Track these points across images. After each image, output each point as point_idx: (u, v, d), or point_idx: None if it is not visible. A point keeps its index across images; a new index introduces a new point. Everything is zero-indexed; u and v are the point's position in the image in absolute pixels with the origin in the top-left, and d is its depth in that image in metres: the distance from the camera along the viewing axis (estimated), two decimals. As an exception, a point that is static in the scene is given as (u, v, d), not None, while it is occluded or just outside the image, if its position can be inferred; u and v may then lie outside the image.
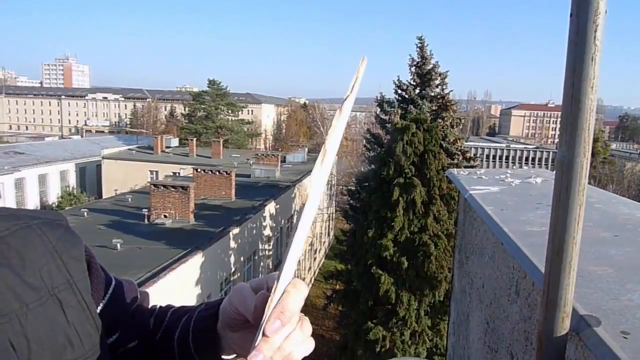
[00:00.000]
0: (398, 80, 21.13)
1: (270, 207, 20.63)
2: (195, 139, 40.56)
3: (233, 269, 16.47)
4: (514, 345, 1.73)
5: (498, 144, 63.03)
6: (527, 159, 56.23)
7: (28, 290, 0.55)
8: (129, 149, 40.65)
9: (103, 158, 36.89)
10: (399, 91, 21.20)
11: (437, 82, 20.83)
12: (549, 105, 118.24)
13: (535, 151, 57.70)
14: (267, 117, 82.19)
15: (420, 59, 20.95)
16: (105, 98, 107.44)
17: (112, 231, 15.17)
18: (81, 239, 0.66)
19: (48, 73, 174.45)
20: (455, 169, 4.24)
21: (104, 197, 30.19)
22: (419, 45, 20.92)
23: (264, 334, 0.53)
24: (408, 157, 13.22)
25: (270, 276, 0.58)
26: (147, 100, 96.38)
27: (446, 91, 20.87)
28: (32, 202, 32.77)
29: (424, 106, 19.82)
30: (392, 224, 12.95)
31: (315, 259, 29.24)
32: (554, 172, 0.93)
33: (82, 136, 67.19)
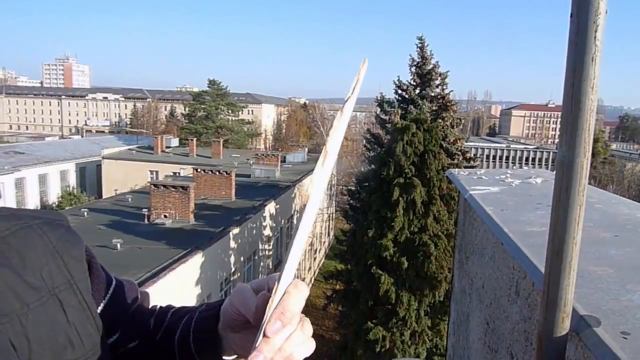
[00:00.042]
0: (398, 80, 21.14)
1: (270, 207, 20.63)
2: (195, 139, 40.56)
3: (233, 269, 16.47)
4: (514, 346, 1.72)
5: (498, 144, 63.03)
6: (527, 159, 56.22)
7: (29, 290, 0.55)
8: (129, 149, 40.65)
9: (103, 158, 36.90)
10: (399, 91, 21.21)
11: (437, 82, 20.83)
12: (549, 105, 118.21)
13: (536, 151, 57.69)
14: (267, 117, 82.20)
15: (420, 59, 20.96)
16: (106, 98, 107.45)
17: (112, 231, 15.17)
18: (82, 239, 0.66)
19: (48, 73, 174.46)
20: (455, 169, 4.24)
21: (104, 197, 30.19)
22: (419, 45, 20.92)
23: (264, 335, 0.53)
24: (408, 157, 13.22)
25: (271, 277, 0.58)
26: (147, 100, 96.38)
27: (446, 91, 20.88)
28: (32, 202, 32.78)
29: (424, 106, 19.83)
30: (392, 224, 12.95)
31: (315, 259, 29.24)
32: (554, 172, 0.93)
33: (82, 136, 67.16)
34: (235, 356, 0.68)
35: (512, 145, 62.58)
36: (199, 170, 21.63)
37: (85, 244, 0.66)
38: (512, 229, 1.91)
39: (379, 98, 22.06)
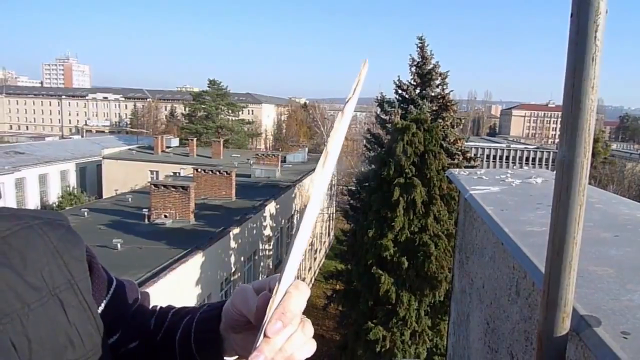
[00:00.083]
0: (398, 80, 21.15)
1: (271, 207, 20.63)
2: (195, 139, 40.57)
3: (233, 269, 16.47)
4: (514, 346, 1.73)
5: (498, 144, 63.04)
6: (527, 159, 56.23)
7: (29, 290, 0.55)
8: (130, 149, 40.65)
9: (103, 158, 36.91)
10: (400, 91, 21.21)
11: (437, 82, 20.84)
12: (549, 105, 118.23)
13: (536, 151, 57.70)
14: (267, 117, 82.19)
15: (420, 59, 20.96)
16: (106, 98, 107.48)
17: (113, 231, 15.17)
18: (82, 239, 0.66)
19: (48, 73, 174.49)
20: (455, 169, 4.24)
21: (104, 197, 30.19)
22: (420, 45, 20.93)
23: (265, 335, 0.53)
24: (408, 157, 13.22)
25: (272, 278, 0.58)
26: (148, 100, 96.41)
27: (446, 91, 20.88)
28: (32, 202, 32.79)
29: (424, 106, 19.83)
30: (393, 224, 12.95)
31: (315, 259, 29.25)
32: (554, 172, 0.93)
33: (82, 136, 67.20)
34: (237, 357, 0.68)
35: (512, 145, 62.58)
36: (199, 170, 21.64)
37: (86, 244, 0.66)
38: (513, 229, 1.91)
39: (379, 98, 22.07)
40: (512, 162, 55.99)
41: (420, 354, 13.18)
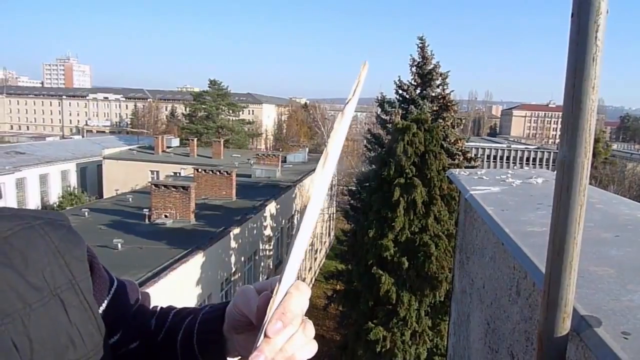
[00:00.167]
0: (399, 80, 21.14)
1: (271, 207, 20.64)
2: (196, 139, 40.58)
3: (234, 269, 16.47)
4: (515, 346, 1.72)
5: (499, 145, 63.03)
6: (527, 159, 56.20)
7: (31, 290, 0.55)
8: (130, 149, 40.67)
9: (104, 158, 36.92)
10: (400, 91, 21.20)
11: (438, 82, 20.83)
12: (550, 105, 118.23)
13: (536, 151, 57.67)
14: (267, 117, 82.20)
15: (421, 59, 20.95)
16: (106, 98, 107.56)
17: (113, 231, 15.18)
18: (83, 239, 0.66)
19: (49, 73, 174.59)
20: (456, 169, 4.23)
21: (104, 197, 30.21)
22: (420, 45, 20.92)
23: (265, 335, 0.53)
24: (409, 158, 13.21)
25: (275, 279, 0.58)
26: (148, 100, 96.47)
27: (447, 91, 20.87)
28: (33, 202, 32.81)
29: (424, 106, 19.82)
30: (393, 224, 12.95)
31: (315, 259, 29.25)
32: (555, 172, 0.93)
33: (83, 136, 67.25)
34: (239, 357, 0.68)
35: (512, 146, 62.57)
36: (199, 170, 21.65)
37: (87, 244, 0.67)
38: (513, 229, 1.91)
39: (379, 98, 22.06)
40: (513, 163, 55.98)
41: (420, 354, 13.17)
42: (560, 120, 0.89)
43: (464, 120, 24.50)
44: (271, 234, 21.07)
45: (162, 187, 16.99)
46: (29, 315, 0.54)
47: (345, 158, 40.06)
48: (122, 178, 33.78)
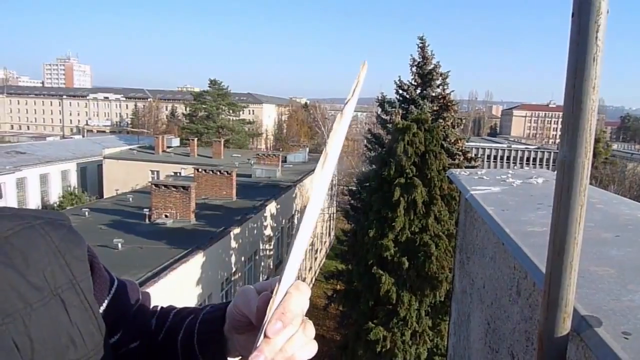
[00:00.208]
0: (399, 80, 21.14)
1: (271, 207, 20.64)
2: (196, 139, 40.56)
3: (234, 269, 16.48)
4: (515, 346, 1.72)
5: (499, 145, 63.01)
6: (528, 159, 56.18)
7: (31, 290, 0.55)
8: (130, 149, 40.67)
9: (104, 158, 36.93)
10: (400, 91, 21.20)
11: (438, 82, 20.83)
12: (550, 105, 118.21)
13: (537, 151, 57.65)
14: (268, 117, 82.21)
15: (421, 59, 20.95)
16: (107, 98, 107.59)
17: (113, 231, 15.18)
18: (84, 239, 0.66)
19: (49, 73, 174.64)
20: (456, 169, 4.23)
21: (105, 196, 30.22)
22: (420, 45, 20.91)
23: (265, 335, 0.53)
24: (409, 158, 13.21)
25: (275, 279, 0.58)
26: (148, 100, 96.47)
27: (447, 91, 20.87)
28: (33, 202, 32.82)
29: (425, 106, 19.82)
30: (393, 224, 12.95)
31: (316, 258, 29.25)
32: (555, 172, 0.93)
33: (83, 136, 67.25)
34: (240, 357, 0.68)
35: (513, 146, 62.55)
36: (199, 170, 21.65)
37: (87, 243, 0.67)
38: (513, 229, 1.91)
39: (380, 98, 22.07)
40: (513, 163, 55.97)
41: (420, 354, 13.17)
42: (560, 120, 0.89)
43: (464, 120, 24.52)
44: (271, 234, 21.07)
45: (163, 187, 16.99)
46: (30, 315, 0.54)
47: (345, 158, 40.08)
48: (123, 178, 33.78)
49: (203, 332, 0.69)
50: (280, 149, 47.97)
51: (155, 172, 34.69)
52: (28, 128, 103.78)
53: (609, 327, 1.04)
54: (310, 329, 0.58)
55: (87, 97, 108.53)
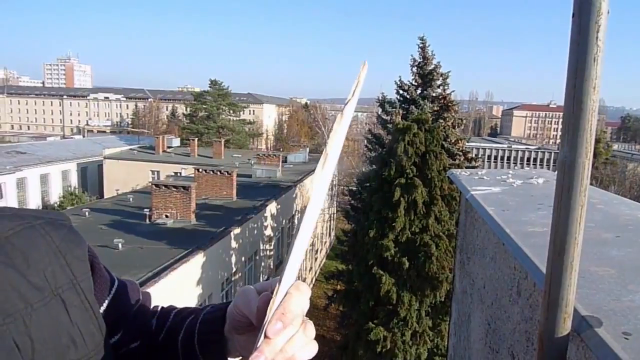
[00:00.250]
0: (400, 80, 21.14)
1: (272, 207, 20.64)
2: (196, 139, 40.56)
3: (234, 269, 16.48)
4: (515, 346, 1.72)
5: (499, 145, 62.97)
6: (528, 159, 56.13)
7: (32, 290, 0.55)
8: (131, 149, 40.68)
9: (104, 158, 36.94)
10: (401, 91, 21.20)
11: (438, 82, 20.82)
12: (550, 105, 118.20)
13: (537, 152, 57.62)
14: (268, 117, 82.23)
15: (421, 59, 20.95)
16: (107, 98, 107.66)
17: (114, 231, 15.19)
18: (84, 239, 0.66)
19: (50, 73, 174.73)
20: (456, 170, 4.23)
21: (105, 197, 30.23)
22: (421, 45, 20.91)
23: (265, 336, 0.53)
24: (409, 158, 13.21)
25: (275, 279, 0.58)
26: (149, 100, 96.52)
27: (448, 91, 20.86)
28: (33, 202, 32.83)
29: (425, 106, 19.81)
30: (394, 224, 12.95)
31: (316, 259, 29.25)
32: (556, 172, 0.93)
33: (83, 136, 67.29)
34: (240, 358, 0.68)
35: (513, 146, 62.51)
36: (200, 170, 21.66)
37: (88, 243, 0.67)
38: (514, 230, 1.91)
39: (380, 98, 22.06)
40: (514, 163, 55.93)
41: (421, 355, 13.16)
42: (561, 120, 0.89)
43: (464, 121, 24.50)
44: (272, 234, 21.07)
45: (163, 187, 16.99)
46: (31, 315, 0.54)
47: (345, 158, 40.09)
48: (123, 178, 33.79)
49: (204, 332, 0.69)
50: (281, 149, 47.96)
51: (156, 172, 34.70)
52: (28, 128, 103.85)
53: (609, 327, 1.04)
54: (311, 330, 0.58)
55: (88, 97, 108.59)
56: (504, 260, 2.01)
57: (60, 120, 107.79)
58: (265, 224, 19.96)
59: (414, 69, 21.05)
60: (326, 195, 0.59)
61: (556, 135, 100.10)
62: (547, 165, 52.27)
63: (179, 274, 11.83)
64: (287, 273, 0.55)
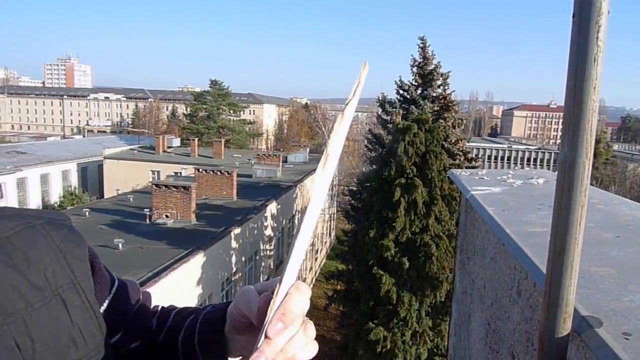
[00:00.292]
0: (400, 80, 21.13)
1: (272, 207, 20.64)
2: (196, 139, 40.56)
3: (234, 269, 16.48)
4: (516, 346, 1.72)
5: (500, 145, 62.94)
6: (528, 159, 56.09)
7: (33, 290, 0.55)
8: (131, 149, 40.69)
9: (105, 158, 36.95)
10: (401, 91, 21.20)
11: (439, 82, 20.82)
12: (551, 106, 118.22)
13: (537, 152, 57.59)
14: (268, 117, 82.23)
15: (422, 60, 20.95)
16: (107, 98, 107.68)
17: (114, 231, 15.19)
18: (84, 239, 0.66)
19: (50, 73, 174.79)
20: (456, 170, 4.23)
21: (105, 197, 30.24)
22: (421, 45, 20.91)
23: (266, 336, 0.53)
24: (409, 158, 13.21)
25: (276, 279, 0.59)
26: (149, 100, 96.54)
27: (448, 91, 20.86)
28: (34, 202, 32.84)
29: (425, 107, 19.81)
30: (394, 224, 12.95)
31: (316, 259, 29.25)
32: (556, 173, 0.93)
33: (84, 136, 67.31)
34: (241, 358, 0.68)
35: (513, 146, 62.47)
36: (200, 170, 21.66)
37: (88, 243, 0.67)
38: (514, 230, 1.91)
39: (380, 98, 22.06)
40: (514, 163, 55.90)
41: (421, 355, 13.16)
42: (561, 120, 0.89)
43: (464, 121, 24.50)
44: (272, 234, 21.07)
45: (163, 187, 17.00)
46: (31, 315, 0.54)
47: (346, 158, 40.08)
48: (123, 178, 33.80)
49: (204, 332, 0.69)
50: (281, 149, 47.98)
51: (156, 172, 34.71)
52: (29, 128, 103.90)
53: (609, 327, 1.04)
54: (311, 330, 0.58)
55: (88, 97, 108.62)
56: (504, 260, 2.01)
57: (61, 120, 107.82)
58: (265, 224, 19.96)
59: (414, 69, 21.05)
60: (327, 195, 0.59)
61: (556, 136, 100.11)
62: (547, 165, 52.23)
63: (179, 274, 11.83)
64: (287, 273, 0.55)
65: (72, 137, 62.46)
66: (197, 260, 13.18)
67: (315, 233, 27.90)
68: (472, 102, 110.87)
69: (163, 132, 57.30)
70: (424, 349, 13.19)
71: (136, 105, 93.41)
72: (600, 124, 68.53)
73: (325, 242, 32.78)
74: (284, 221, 23.18)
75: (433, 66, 20.80)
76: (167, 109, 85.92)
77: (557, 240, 0.91)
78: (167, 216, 16.79)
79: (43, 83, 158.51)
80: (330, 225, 34.19)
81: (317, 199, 0.56)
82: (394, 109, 20.72)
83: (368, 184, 16.97)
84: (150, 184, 18.87)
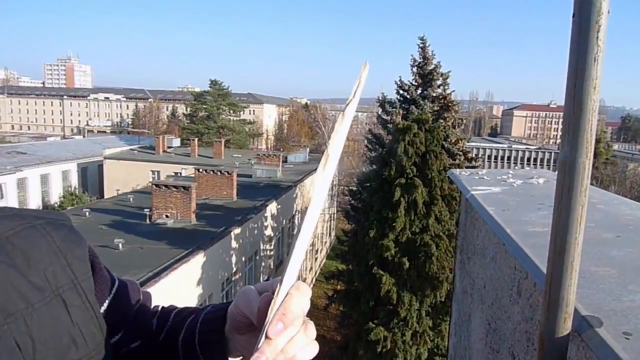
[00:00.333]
0: (400, 80, 21.13)
1: (272, 207, 20.64)
2: (196, 139, 40.56)
3: (234, 269, 16.48)
4: (516, 346, 1.72)
5: (500, 145, 62.95)
6: (529, 159, 56.09)
7: (33, 290, 0.55)
8: (131, 149, 40.70)
9: (105, 158, 36.96)
10: (401, 91, 21.20)
11: (439, 82, 20.82)
12: (551, 105, 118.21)
13: (537, 152, 57.59)
14: (268, 117, 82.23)
15: (422, 59, 20.95)
16: (107, 98, 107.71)
17: (114, 231, 15.19)
18: (85, 239, 0.66)
19: (50, 73, 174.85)
20: (456, 170, 4.23)
21: (105, 197, 30.24)
22: (421, 45, 20.91)
23: (266, 336, 0.53)
24: (410, 158, 13.21)
25: (276, 280, 0.59)
26: (149, 100, 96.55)
27: (448, 91, 20.86)
28: (34, 202, 32.84)
29: (425, 106, 19.81)
30: (394, 224, 12.95)
31: (316, 259, 29.25)
32: (556, 172, 0.93)
33: (84, 136, 67.31)
34: (241, 358, 0.68)
35: (513, 146, 62.47)
36: (200, 170, 21.66)
37: (88, 243, 0.67)
38: (514, 229, 1.91)
39: (380, 98, 22.06)
40: (514, 163, 55.90)
41: (421, 355, 13.17)
42: (561, 120, 0.89)
43: (464, 121, 24.50)
44: (272, 234, 21.07)
45: (163, 187, 17.00)
46: (32, 315, 0.54)
47: (346, 158, 40.08)
48: (123, 178, 33.80)
49: (204, 332, 0.69)
50: (281, 149, 47.96)
51: (156, 173, 34.72)
52: (29, 128, 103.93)
53: (609, 327, 1.04)
54: (311, 330, 0.58)
55: (88, 98, 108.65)
56: (505, 260, 2.01)
57: (61, 120, 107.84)
58: (265, 224, 19.96)
59: (414, 69, 21.05)
60: (327, 195, 0.59)
61: (556, 135, 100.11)
62: (547, 165, 52.23)
63: (179, 274, 11.83)
64: (287, 273, 0.55)
65: (72, 138, 62.49)
66: (197, 260, 13.18)
67: (316, 233, 27.87)
68: (472, 102, 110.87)
69: (163, 132, 57.31)
70: (424, 349, 13.20)
71: (136, 106, 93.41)
72: (600, 124, 68.52)
73: (325, 242, 32.78)
74: (284, 221, 23.19)
75: (433, 66, 20.80)
76: (167, 109, 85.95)
77: (558, 240, 0.91)
78: (167, 216, 16.79)
79: (43, 83, 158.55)
80: (330, 225, 34.20)
81: (318, 200, 0.56)
82: (394, 109, 20.72)
83: (368, 184, 16.97)
84: (150, 184, 18.87)
